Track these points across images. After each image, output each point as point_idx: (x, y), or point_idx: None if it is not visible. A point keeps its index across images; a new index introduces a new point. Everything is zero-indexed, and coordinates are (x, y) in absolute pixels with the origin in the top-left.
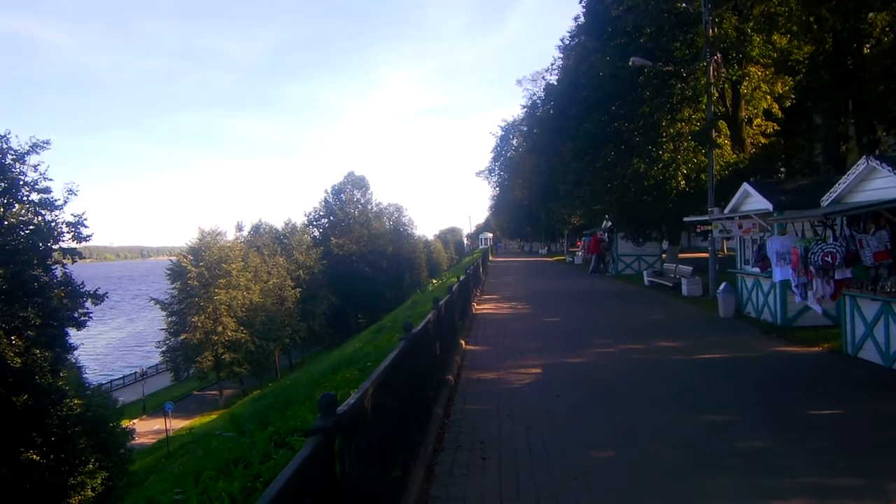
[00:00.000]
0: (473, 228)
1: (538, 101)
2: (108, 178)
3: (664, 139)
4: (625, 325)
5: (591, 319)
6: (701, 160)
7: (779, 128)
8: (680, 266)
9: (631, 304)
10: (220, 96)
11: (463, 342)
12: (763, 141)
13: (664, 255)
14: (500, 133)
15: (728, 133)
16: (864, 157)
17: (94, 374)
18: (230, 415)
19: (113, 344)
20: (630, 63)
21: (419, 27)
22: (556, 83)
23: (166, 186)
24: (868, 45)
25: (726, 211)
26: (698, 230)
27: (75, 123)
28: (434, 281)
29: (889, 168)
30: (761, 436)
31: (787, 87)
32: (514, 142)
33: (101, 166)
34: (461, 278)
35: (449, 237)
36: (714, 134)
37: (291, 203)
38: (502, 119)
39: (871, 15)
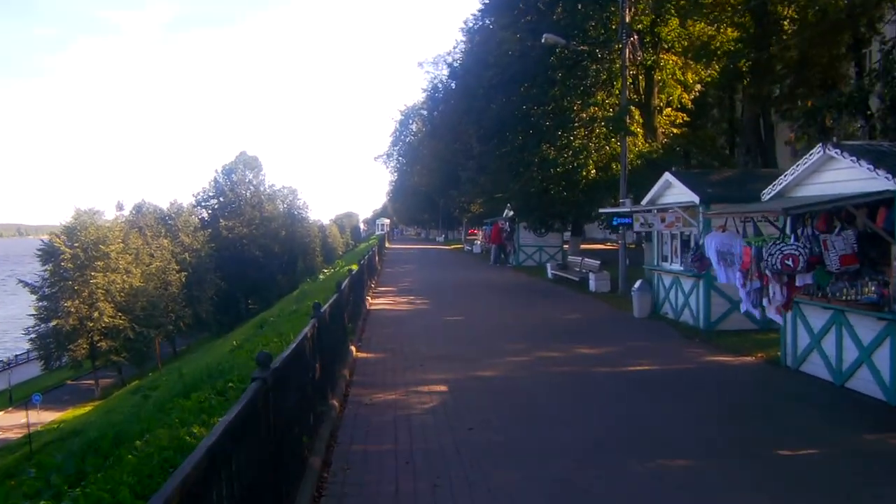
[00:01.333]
0: (370, 214)
1: (439, 85)
2: None
3: (576, 124)
4: (536, 325)
5: (498, 317)
6: (614, 148)
7: (689, 119)
8: (586, 259)
9: (538, 300)
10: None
11: (354, 348)
12: (675, 131)
13: (566, 247)
14: (399, 118)
15: (641, 121)
16: (821, 144)
17: None
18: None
19: None
20: (543, 40)
21: None
22: (459, 66)
23: (47, 160)
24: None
25: (644, 202)
26: (601, 222)
27: None
28: (326, 270)
29: (852, 158)
30: (739, 490)
31: (699, 77)
32: (414, 127)
33: None
34: (354, 270)
35: (345, 222)
36: (627, 121)
37: (179, 184)
38: (403, 104)
39: (779, 8)
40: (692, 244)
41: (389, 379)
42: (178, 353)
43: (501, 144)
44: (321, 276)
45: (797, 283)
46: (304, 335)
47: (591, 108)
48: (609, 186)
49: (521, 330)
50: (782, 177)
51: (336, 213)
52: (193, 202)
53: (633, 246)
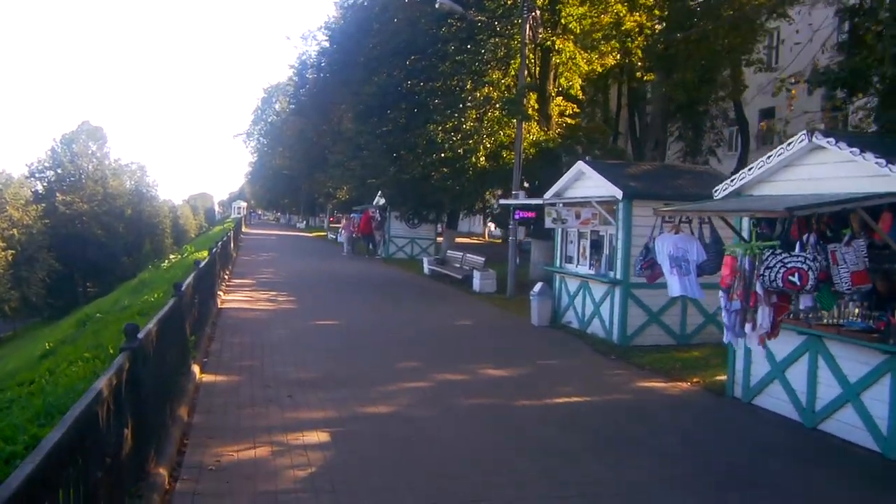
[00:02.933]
0: (227, 196)
1: (308, 61)
2: None
3: (468, 105)
4: (426, 333)
5: (380, 322)
6: (508, 133)
7: (578, 110)
8: (469, 255)
9: (421, 301)
10: None
11: (198, 369)
12: (569, 121)
13: (439, 240)
14: (262, 95)
15: (536, 106)
16: (805, 132)
17: None
18: None
19: None
20: (437, 6)
21: None
22: (337, 31)
23: None
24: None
25: (549, 195)
26: (489, 215)
27: None
28: (173, 256)
29: (853, 149)
30: None
31: (591, 67)
32: (278, 106)
33: None
34: (202, 260)
35: (199, 203)
36: (525, 104)
37: (8, 152)
38: (267, 82)
39: None
40: (616, 246)
41: (246, 420)
42: (2, 339)
43: (381, 123)
44: (165, 263)
45: (800, 306)
46: (97, 394)
47: (485, 87)
48: (498, 176)
49: (411, 340)
50: (745, 171)
51: (190, 193)
52: (26, 173)
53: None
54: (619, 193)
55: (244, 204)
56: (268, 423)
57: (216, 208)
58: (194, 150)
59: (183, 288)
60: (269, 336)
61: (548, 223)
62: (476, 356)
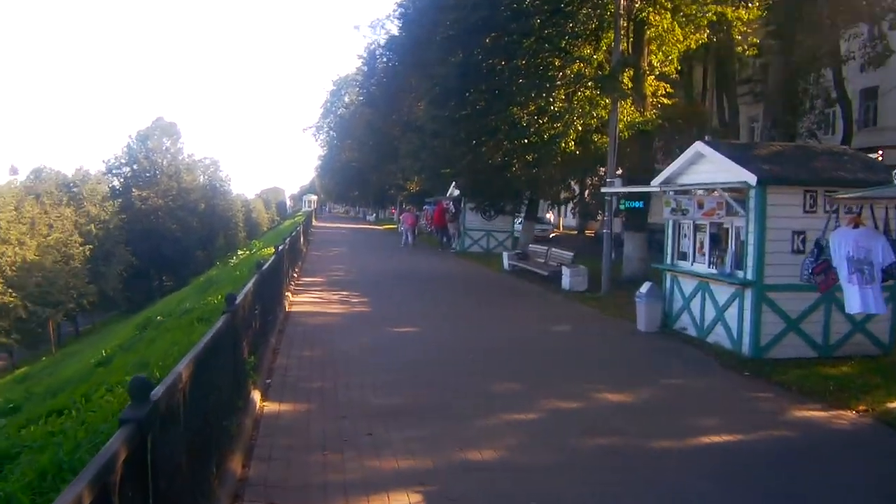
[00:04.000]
0: (298, 189)
1: (377, 51)
2: None
3: (558, 83)
4: (519, 342)
5: (465, 328)
6: (599, 114)
7: (671, 90)
8: (555, 250)
9: (507, 302)
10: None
11: (259, 396)
12: (665, 101)
13: (517, 233)
14: (331, 88)
15: (630, 85)
16: None
17: None
18: None
19: None
20: None
21: None
22: (410, 10)
23: None
24: None
25: (658, 181)
26: (576, 204)
27: None
28: (241, 252)
29: None
30: None
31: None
32: (347, 98)
33: None
34: (265, 266)
35: (271, 197)
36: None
37: (87, 150)
38: (336, 74)
39: None
40: (801, 245)
41: (315, 473)
42: (81, 332)
43: (459, 107)
44: (234, 260)
45: None
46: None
47: (576, 63)
48: (586, 162)
49: (503, 352)
50: None
51: (262, 187)
52: (103, 169)
53: (562, 230)
54: (751, 178)
55: (314, 197)
56: (344, 479)
57: (287, 202)
58: (266, 145)
59: (237, 301)
60: (341, 347)
61: (666, 214)
62: (584, 373)
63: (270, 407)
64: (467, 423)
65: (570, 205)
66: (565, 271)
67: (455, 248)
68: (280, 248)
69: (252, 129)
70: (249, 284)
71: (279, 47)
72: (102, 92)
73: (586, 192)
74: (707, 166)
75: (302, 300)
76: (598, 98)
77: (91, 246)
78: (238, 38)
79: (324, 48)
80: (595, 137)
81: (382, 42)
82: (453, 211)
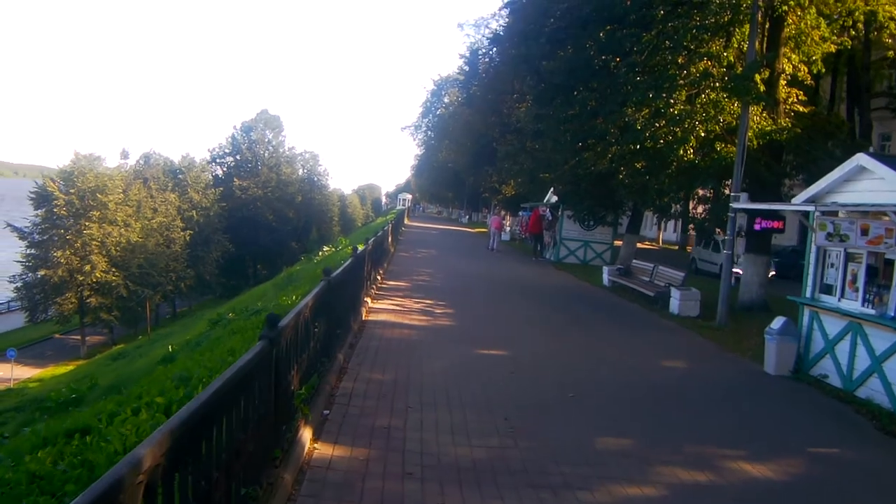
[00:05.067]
0: (394, 187)
1: (479, 50)
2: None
3: (680, 83)
4: (626, 380)
5: (561, 357)
6: (726, 120)
7: (805, 97)
8: (662, 268)
9: (605, 323)
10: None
11: (310, 434)
12: (799, 109)
13: (617, 244)
14: (432, 88)
15: (762, 88)
16: None
17: None
18: None
19: None
20: None
21: None
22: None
23: (52, 97)
24: None
25: (802, 199)
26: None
27: None
28: (326, 249)
29: None
30: None
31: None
32: (447, 98)
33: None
34: (336, 271)
35: (367, 193)
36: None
37: (195, 138)
38: (437, 73)
39: None
40: None
41: None
42: (179, 313)
43: (566, 106)
44: (319, 255)
45: None
46: None
47: (703, 61)
48: (706, 172)
49: (607, 392)
50: None
51: (358, 183)
52: (208, 158)
53: (661, 244)
54: None
55: (409, 196)
56: None
57: (383, 199)
58: (366, 142)
59: (283, 324)
60: (417, 371)
61: (820, 240)
62: (710, 429)
63: (322, 451)
64: (567, 495)
65: (680, 219)
66: (674, 293)
67: (549, 257)
68: (359, 250)
69: (353, 126)
70: (309, 298)
71: (383, 45)
72: (213, 83)
73: (701, 206)
74: (871, 184)
75: (381, 307)
76: (724, 101)
77: (192, 231)
78: (344, 36)
79: (426, 47)
80: (718, 146)
81: (486, 42)
82: (550, 218)
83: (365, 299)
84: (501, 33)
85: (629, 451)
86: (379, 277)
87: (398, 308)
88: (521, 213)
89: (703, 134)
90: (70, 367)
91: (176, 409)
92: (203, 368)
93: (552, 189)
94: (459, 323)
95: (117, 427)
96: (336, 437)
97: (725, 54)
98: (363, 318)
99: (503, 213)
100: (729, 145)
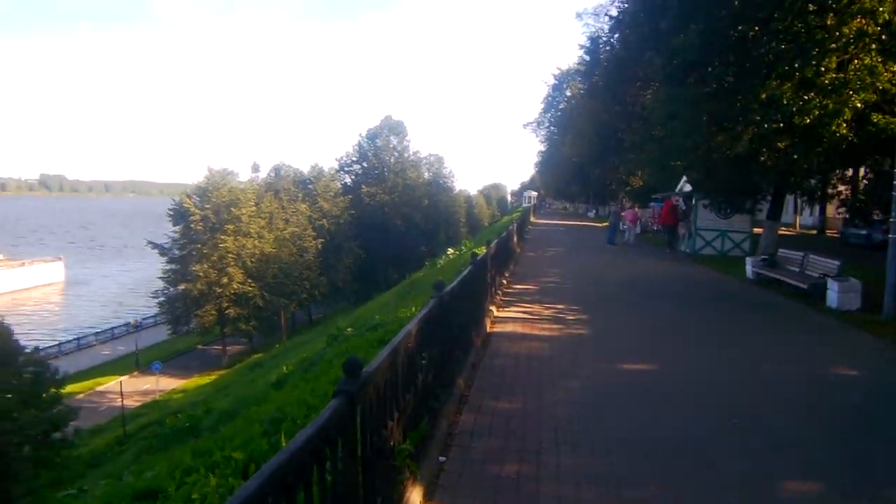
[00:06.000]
0: (518, 186)
1: (600, 38)
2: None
3: (831, 47)
4: (796, 399)
5: (716, 370)
6: (885, 87)
7: None
8: (814, 257)
9: (758, 324)
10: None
11: (419, 495)
12: None
13: (757, 232)
14: (552, 82)
15: None
16: None
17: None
18: None
19: (128, 286)
20: None
21: None
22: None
23: (190, 119)
24: None
25: None
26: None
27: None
28: (451, 252)
29: None
30: None
31: None
32: (568, 92)
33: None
34: (448, 287)
35: (492, 193)
36: None
37: (324, 148)
38: (556, 67)
39: None
40: None
41: None
42: (315, 320)
43: (701, 84)
44: (442, 260)
45: None
46: None
47: (856, 19)
48: (860, 149)
49: (781, 417)
50: None
51: (484, 183)
52: (336, 167)
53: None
54: None
55: (534, 193)
56: None
57: (508, 198)
58: (489, 142)
59: (368, 371)
60: (551, 396)
61: None
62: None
63: None
64: None
65: (836, 202)
66: (832, 285)
67: (686, 249)
68: (479, 256)
69: (476, 126)
70: (412, 325)
71: (502, 43)
72: (338, 94)
73: (842, 185)
74: None
75: (508, 316)
76: (880, 65)
77: (323, 240)
78: (463, 37)
79: (545, 41)
80: (875, 117)
81: (606, 29)
82: (684, 208)
83: (489, 308)
84: (622, 17)
85: (820, 501)
86: (504, 281)
87: (526, 316)
88: (651, 205)
89: (858, 105)
90: (212, 377)
91: (253, 471)
92: (299, 407)
93: (684, 177)
94: (595, 331)
95: (184, 493)
96: (454, 495)
97: (882, 9)
98: (487, 330)
99: (631, 205)
100: (888, 116)
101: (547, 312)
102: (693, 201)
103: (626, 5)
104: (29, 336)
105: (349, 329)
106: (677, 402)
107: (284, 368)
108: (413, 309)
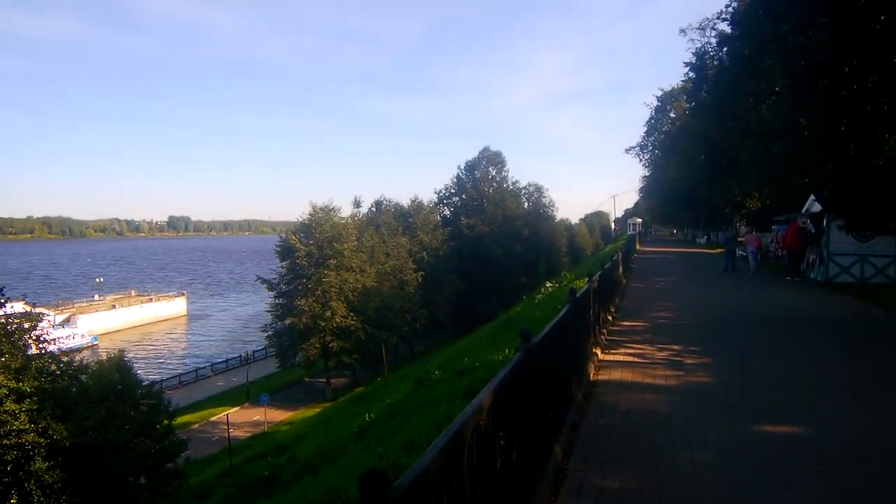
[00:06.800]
0: (621, 213)
1: (707, 53)
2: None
3: None
4: None
5: (884, 439)
6: None
7: None
8: None
9: None
10: (368, 77)
11: None
12: None
13: None
14: (655, 104)
15: None
16: None
17: (216, 352)
18: None
19: (242, 321)
20: None
21: (574, 5)
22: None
23: (302, 158)
24: None
25: None
26: None
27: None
28: (549, 284)
29: None
30: None
31: None
32: (672, 114)
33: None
34: (538, 339)
35: (595, 221)
36: None
37: (424, 182)
38: (659, 88)
39: None
40: None
41: None
42: (416, 353)
43: (837, 87)
44: (540, 294)
45: None
46: None
47: None
48: None
49: None
50: None
51: (586, 212)
52: (435, 199)
53: None
54: None
55: (639, 220)
56: None
57: (612, 225)
58: (591, 170)
59: (405, 484)
60: (672, 471)
61: None
62: None
63: None
64: None
65: None
66: None
67: (818, 277)
68: (578, 292)
69: (578, 154)
70: (484, 396)
71: (603, 66)
72: (436, 126)
73: None
74: None
75: (614, 360)
76: None
77: (423, 273)
78: (563, 62)
79: (648, 62)
80: None
81: (713, 42)
82: (813, 231)
83: (592, 352)
84: (732, 23)
85: None
86: (610, 318)
87: (636, 360)
88: (774, 228)
89: None
90: (317, 410)
91: None
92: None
93: (812, 196)
94: (721, 380)
95: None
96: None
97: None
98: (590, 377)
99: (749, 229)
100: None
101: (660, 355)
102: (825, 223)
103: (736, 5)
104: (157, 365)
105: (437, 372)
106: (843, 477)
107: (367, 416)
108: (507, 351)
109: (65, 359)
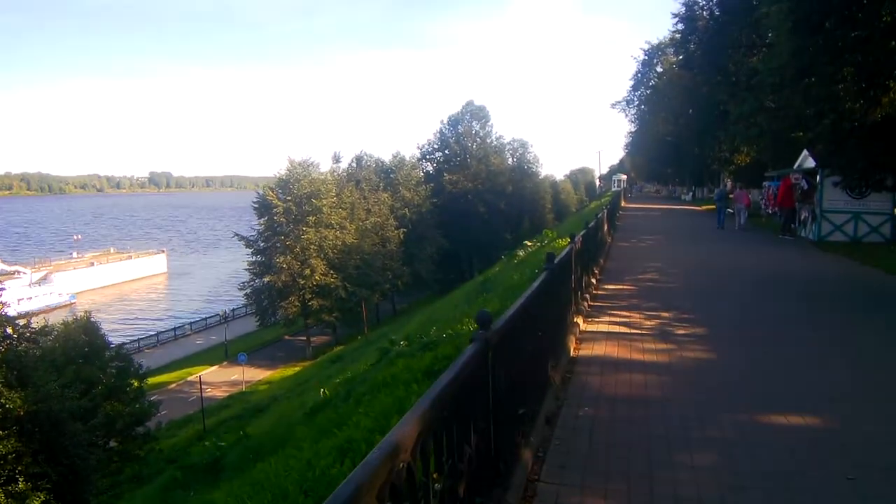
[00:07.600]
0: (606, 169)
1: (697, 2)
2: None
3: None
4: None
5: None
6: None
7: None
8: None
9: None
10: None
11: None
12: None
13: None
14: (642, 58)
15: None
16: None
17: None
18: None
19: (222, 279)
20: None
21: None
22: None
23: (276, 111)
24: None
25: None
26: None
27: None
28: (529, 244)
29: None
30: None
31: None
32: (660, 68)
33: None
34: (531, 287)
35: (579, 178)
36: None
37: (405, 136)
38: (646, 41)
39: None
40: None
41: None
42: (399, 311)
43: (847, 28)
44: (520, 253)
45: None
46: None
47: None
48: None
49: None
50: None
51: (570, 168)
52: (417, 155)
53: None
54: None
55: (624, 177)
56: None
57: (596, 182)
58: (575, 125)
59: None
60: (669, 481)
61: None
62: None
63: None
64: None
65: None
66: None
67: (809, 235)
68: (556, 259)
69: (562, 109)
70: (424, 405)
71: (588, 21)
72: (420, 81)
73: None
74: None
75: (597, 331)
76: None
77: (405, 229)
78: (547, 16)
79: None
80: None
81: None
82: (806, 187)
83: (574, 322)
84: None
85: None
86: (594, 280)
87: (622, 330)
88: (765, 185)
89: None
90: (296, 369)
91: None
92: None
93: (805, 152)
94: (718, 354)
95: None
96: None
97: None
98: (571, 353)
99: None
100: None
101: (649, 324)
102: (818, 179)
103: None
104: (135, 324)
105: (403, 343)
106: (878, 487)
107: (322, 393)
108: (474, 326)
109: (20, 322)
